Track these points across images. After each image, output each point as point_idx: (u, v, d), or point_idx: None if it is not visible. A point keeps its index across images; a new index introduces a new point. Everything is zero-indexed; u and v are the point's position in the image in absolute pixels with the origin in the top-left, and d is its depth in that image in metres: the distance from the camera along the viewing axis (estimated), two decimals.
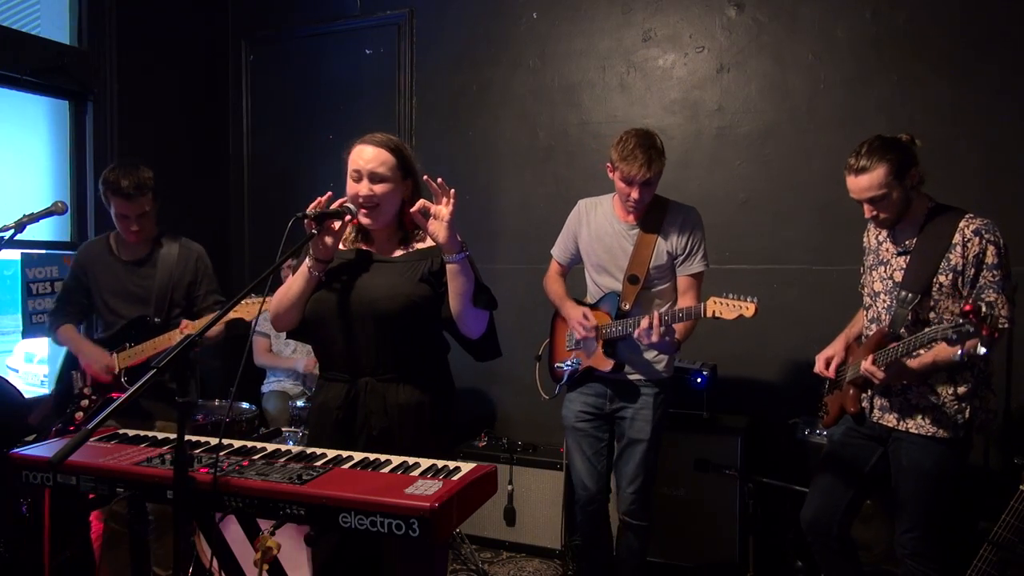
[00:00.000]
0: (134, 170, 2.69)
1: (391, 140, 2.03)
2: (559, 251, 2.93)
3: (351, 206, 1.96)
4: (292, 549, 2.14)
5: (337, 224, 1.96)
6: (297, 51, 4.49)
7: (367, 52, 4.31)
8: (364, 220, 1.99)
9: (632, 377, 2.70)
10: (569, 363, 2.76)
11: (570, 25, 3.85)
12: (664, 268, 2.66)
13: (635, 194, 2.55)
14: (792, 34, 3.46)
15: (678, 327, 2.53)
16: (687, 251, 2.65)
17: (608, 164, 2.62)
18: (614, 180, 2.61)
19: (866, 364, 2.20)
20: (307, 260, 1.99)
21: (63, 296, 2.91)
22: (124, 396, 1.46)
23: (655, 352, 2.66)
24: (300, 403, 3.46)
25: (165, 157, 4.15)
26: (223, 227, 4.65)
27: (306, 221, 1.90)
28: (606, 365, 2.66)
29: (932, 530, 2.24)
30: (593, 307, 2.77)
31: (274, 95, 4.57)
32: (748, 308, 2.30)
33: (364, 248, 2.09)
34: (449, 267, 1.92)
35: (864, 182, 2.18)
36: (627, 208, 2.66)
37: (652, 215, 2.67)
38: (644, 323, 2.44)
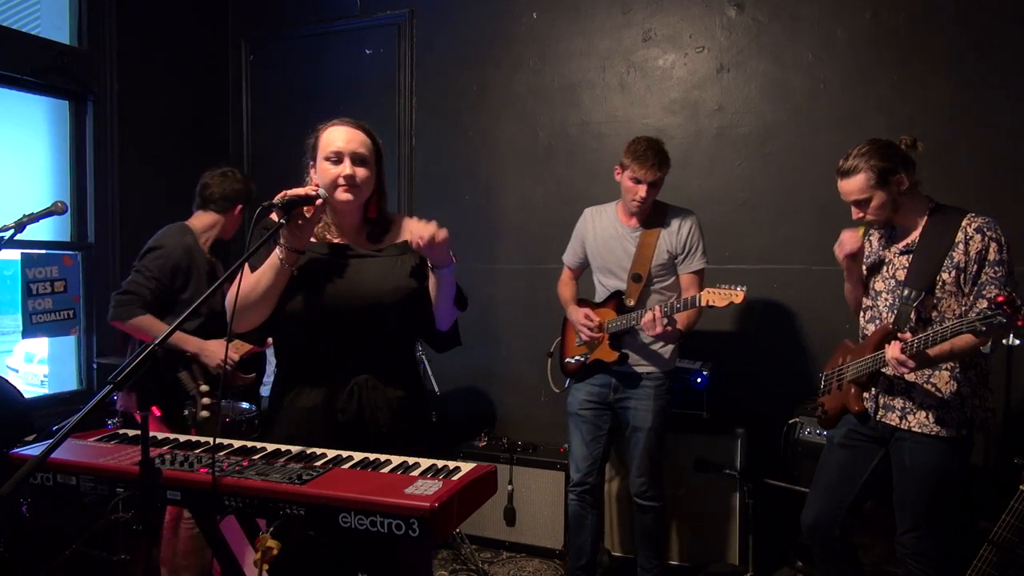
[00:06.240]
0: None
1: (364, 123, 1.97)
2: (569, 256, 3.12)
3: (322, 190, 1.85)
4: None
5: (310, 210, 1.82)
6: (297, 51, 4.49)
7: (367, 52, 4.30)
8: (345, 196, 1.86)
9: (637, 368, 2.87)
10: (578, 357, 2.97)
11: (570, 25, 3.85)
12: (665, 266, 2.84)
13: (642, 192, 2.75)
14: (792, 34, 3.46)
15: (679, 317, 2.71)
16: (687, 250, 2.83)
17: (617, 167, 2.81)
18: (621, 181, 2.81)
19: (894, 352, 2.11)
20: (277, 251, 1.81)
21: None
22: (83, 410, 1.36)
23: (659, 344, 2.85)
24: None
25: (165, 157, 4.17)
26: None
27: (274, 211, 1.74)
28: (611, 357, 2.85)
29: (934, 530, 2.24)
30: (600, 305, 2.94)
31: (274, 95, 4.56)
32: (738, 295, 2.47)
33: (337, 242, 1.97)
34: (442, 276, 1.89)
35: (847, 186, 2.26)
36: (631, 208, 2.84)
37: (653, 218, 2.87)
38: (648, 317, 2.64)
